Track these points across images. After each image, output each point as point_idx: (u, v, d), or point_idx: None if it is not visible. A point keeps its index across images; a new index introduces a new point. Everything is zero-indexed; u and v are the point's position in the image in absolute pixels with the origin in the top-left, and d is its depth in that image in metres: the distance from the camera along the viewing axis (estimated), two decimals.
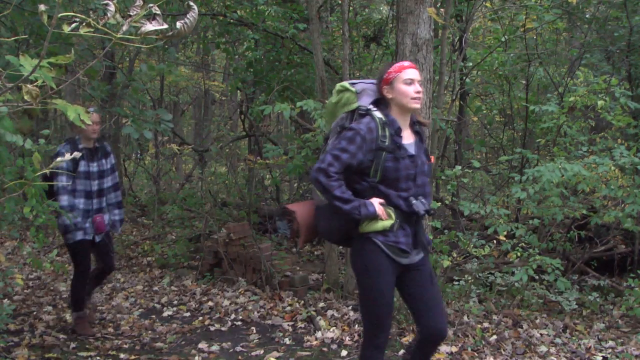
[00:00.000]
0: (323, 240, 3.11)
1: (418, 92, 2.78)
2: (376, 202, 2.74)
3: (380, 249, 2.76)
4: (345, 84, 2.93)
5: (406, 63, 2.85)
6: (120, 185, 4.91)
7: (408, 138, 2.84)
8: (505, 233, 5.06)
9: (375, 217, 2.73)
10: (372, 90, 2.89)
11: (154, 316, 5.40)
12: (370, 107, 2.83)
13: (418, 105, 2.80)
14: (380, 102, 2.86)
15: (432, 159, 2.96)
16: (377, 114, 2.79)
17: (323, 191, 2.77)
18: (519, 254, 5.11)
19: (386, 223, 2.74)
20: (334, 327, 4.87)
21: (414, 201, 2.77)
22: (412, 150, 2.81)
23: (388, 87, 2.82)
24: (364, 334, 2.94)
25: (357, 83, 2.93)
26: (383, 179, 2.75)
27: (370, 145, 2.73)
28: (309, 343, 4.63)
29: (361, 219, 2.75)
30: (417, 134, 2.89)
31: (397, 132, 2.77)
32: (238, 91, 10.13)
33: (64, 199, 4.45)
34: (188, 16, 1.85)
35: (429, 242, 2.94)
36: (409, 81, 2.78)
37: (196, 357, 4.33)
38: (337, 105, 2.94)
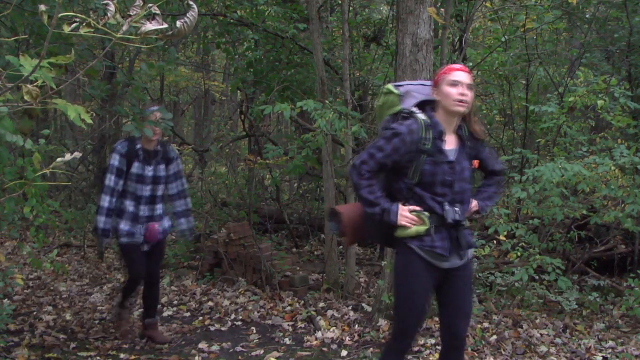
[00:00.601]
0: (373, 242, 3.10)
1: (462, 95, 2.70)
2: (402, 211, 2.71)
3: (416, 253, 2.74)
4: (390, 86, 2.91)
5: (457, 65, 2.79)
6: (188, 194, 4.56)
7: (451, 143, 2.78)
8: (505, 233, 5.06)
9: (397, 225, 2.73)
10: (418, 92, 2.85)
11: None
12: (414, 109, 2.78)
13: (461, 109, 2.71)
14: (428, 104, 2.82)
15: (475, 163, 2.87)
16: (421, 116, 2.74)
17: (354, 188, 2.82)
18: (519, 253, 5.11)
19: (420, 228, 2.71)
20: (334, 327, 4.88)
21: (446, 207, 2.72)
22: (452, 156, 2.75)
23: (435, 89, 2.78)
24: (390, 335, 2.94)
25: (402, 85, 2.90)
26: (420, 181, 2.73)
27: (409, 147, 2.69)
28: (309, 343, 4.63)
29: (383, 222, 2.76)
30: (461, 138, 2.81)
31: (440, 135, 2.73)
32: (238, 91, 10.13)
33: (105, 200, 4.18)
34: (188, 15, 1.85)
35: (472, 245, 2.87)
36: (454, 83, 2.71)
37: (196, 357, 4.33)
38: (382, 107, 2.93)
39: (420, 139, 2.70)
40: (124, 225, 4.28)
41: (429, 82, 2.92)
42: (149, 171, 4.27)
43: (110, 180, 4.18)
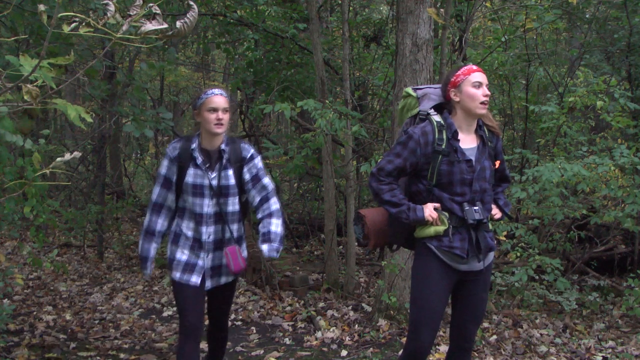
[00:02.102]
0: (397, 246, 3.10)
1: (486, 96, 2.72)
2: (429, 207, 2.72)
3: (434, 254, 2.75)
4: (409, 89, 2.95)
5: (474, 66, 2.80)
6: (274, 194, 3.25)
7: (469, 142, 2.78)
8: (505, 233, 5.06)
9: (424, 222, 2.73)
10: (435, 94, 2.88)
11: (154, 316, 5.40)
12: (430, 111, 2.81)
13: (484, 110, 2.74)
14: (444, 106, 2.84)
15: (497, 163, 2.87)
16: (436, 118, 2.77)
17: (374, 195, 2.82)
18: (518, 254, 5.11)
19: (439, 228, 2.72)
20: (334, 327, 4.88)
21: (466, 207, 2.72)
22: (471, 155, 2.75)
23: (455, 90, 2.77)
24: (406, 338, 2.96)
25: (421, 88, 2.94)
26: (438, 183, 2.74)
27: (425, 149, 2.72)
28: (309, 343, 4.63)
29: (410, 223, 2.75)
30: (482, 138, 2.81)
31: (454, 135, 2.74)
32: (238, 91, 10.13)
33: (146, 219, 3.16)
34: (188, 15, 1.85)
35: (492, 248, 2.84)
36: (477, 84, 2.72)
37: None
38: (402, 111, 2.97)
39: (434, 139, 2.72)
40: (180, 255, 3.14)
41: None
42: (211, 179, 3.09)
43: (155, 193, 3.16)
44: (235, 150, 3.17)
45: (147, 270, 3.19)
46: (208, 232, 3.12)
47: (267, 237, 3.10)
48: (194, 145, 3.10)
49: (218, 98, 3.05)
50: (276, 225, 3.13)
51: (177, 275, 3.13)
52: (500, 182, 3.00)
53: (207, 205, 3.10)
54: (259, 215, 3.20)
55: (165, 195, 3.13)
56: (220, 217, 3.13)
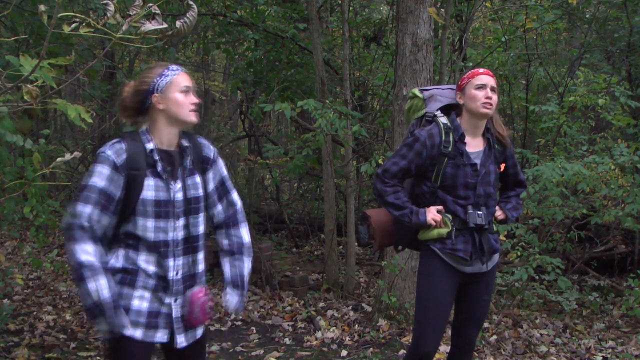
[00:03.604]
0: (402, 246, 3.10)
1: (488, 98, 2.69)
2: (431, 211, 2.72)
3: (438, 256, 2.74)
4: (415, 90, 2.95)
5: (481, 70, 2.81)
6: (243, 217, 2.50)
7: (475, 146, 2.77)
8: (505, 233, 5.06)
9: (426, 225, 2.72)
10: (442, 95, 2.88)
11: None
12: (437, 113, 2.80)
13: (488, 111, 2.71)
14: (453, 108, 2.84)
15: (502, 167, 2.86)
16: (442, 120, 2.76)
17: (378, 197, 2.82)
18: (518, 253, 5.12)
19: (442, 231, 2.71)
20: (334, 327, 4.88)
21: (470, 211, 2.71)
22: (476, 159, 2.74)
23: (460, 93, 2.79)
24: (410, 341, 2.95)
25: (428, 89, 2.94)
26: (442, 185, 2.73)
27: (431, 151, 2.71)
28: (309, 343, 4.63)
29: (412, 226, 2.75)
30: (488, 141, 2.80)
31: (461, 138, 2.73)
32: (238, 91, 10.14)
33: (79, 249, 2.07)
34: (187, 15, 1.86)
35: (496, 250, 2.83)
36: (479, 86, 2.72)
37: None
38: (409, 112, 2.98)
39: (441, 142, 2.71)
40: (139, 302, 2.18)
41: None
42: (174, 191, 2.21)
43: (82, 215, 2.08)
44: (196, 148, 2.31)
45: (121, 319, 2.11)
46: (177, 267, 2.23)
47: (237, 283, 2.41)
48: (150, 145, 2.18)
49: (187, 76, 2.24)
50: (248, 267, 2.41)
51: (137, 333, 2.15)
52: (514, 187, 2.98)
53: (174, 229, 2.21)
54: (225, 243, 2.44)
55: (99, 218, 2.10)
56: (190, 244, 2.29)
